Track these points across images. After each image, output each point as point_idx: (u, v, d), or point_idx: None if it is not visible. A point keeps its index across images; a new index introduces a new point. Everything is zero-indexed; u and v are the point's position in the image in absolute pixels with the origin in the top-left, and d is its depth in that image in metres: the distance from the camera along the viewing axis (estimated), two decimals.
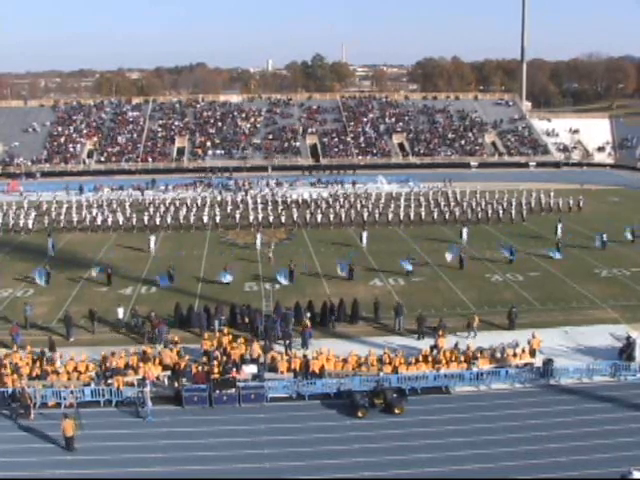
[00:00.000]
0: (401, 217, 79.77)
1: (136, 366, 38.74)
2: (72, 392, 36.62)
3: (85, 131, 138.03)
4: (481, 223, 79.05)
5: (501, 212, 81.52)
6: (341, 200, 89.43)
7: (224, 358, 39.60)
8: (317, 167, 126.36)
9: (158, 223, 77.27)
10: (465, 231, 71.32)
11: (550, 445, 31.99)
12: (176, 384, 37.87)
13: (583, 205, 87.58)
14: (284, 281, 54.93)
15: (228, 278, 55.79)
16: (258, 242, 67.75)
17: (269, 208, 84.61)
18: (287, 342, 43.29)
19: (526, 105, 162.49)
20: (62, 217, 79.86)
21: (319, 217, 79.83)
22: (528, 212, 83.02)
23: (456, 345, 41.49)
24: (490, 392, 38.04)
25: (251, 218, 78.60)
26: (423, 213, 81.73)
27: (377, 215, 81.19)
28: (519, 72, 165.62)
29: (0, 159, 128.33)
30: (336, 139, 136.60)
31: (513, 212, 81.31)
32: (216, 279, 56.53)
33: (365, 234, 69.52)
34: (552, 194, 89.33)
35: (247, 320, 46.22)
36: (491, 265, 61.67)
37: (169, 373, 38.93)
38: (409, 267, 58.41)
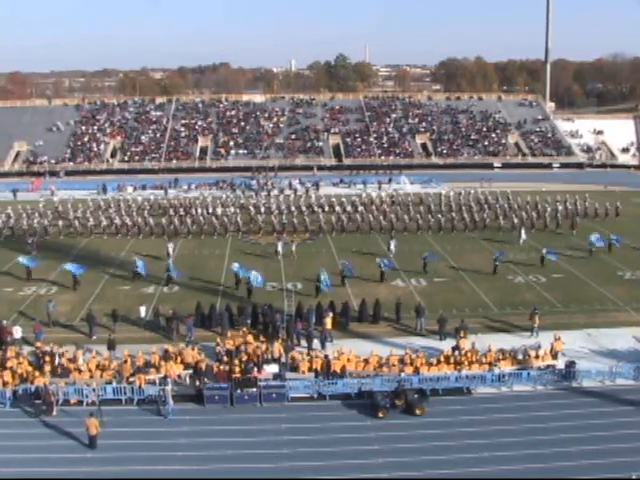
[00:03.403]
0: (430, 224, 76.62)
1: (158, 364, 38.90)
2: (94, 390, 36.85)
3: (109, 130, 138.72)
4: (516, 230, 73.72)
5: (535, 218, 77.92)
6: (367, 202, 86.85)
7: (246, 357, 39.71)
8: (340, 167, 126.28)
9: (178, 228, 75.21)
10: (523, 232, 70.33)
11: (572, 448, 31.82)
12: (197, 383, 38.00)
13: (620, 210, 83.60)
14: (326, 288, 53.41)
15: (259, 281, 53.63)
16: (279, 248, 65.37)
17: (293, 212, 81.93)
18: (308, 342, 43.33)
19: (550, 106, 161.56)
20: (77, 221, 77.55)
21: (345, 221, 76.97)
22: (563, 218, 78.61)
23: (491, 349, 41.32)
24: (512, 394, 37.88)
25: (275, 222, 76.23)
26: (455, 219, 78.08)
27: (407, 220, 77.30)
28: (543, 72, 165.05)
29: (24, 158, 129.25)
30: (359, 139, 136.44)
31: (548, 218, 77.52)
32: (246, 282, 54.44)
33: (393, 243, 66.73)
34: (587, 199, 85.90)
35: (268, 320, 46.24)
36: (513, 266, 61.35)
37: (191, 372, 39.07)
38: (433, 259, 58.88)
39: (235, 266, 55.81)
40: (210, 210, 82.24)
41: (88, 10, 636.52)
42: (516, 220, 76.17)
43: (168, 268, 57.48)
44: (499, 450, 31.77)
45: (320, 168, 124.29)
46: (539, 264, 61.32)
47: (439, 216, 78.07)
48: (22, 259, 59.76)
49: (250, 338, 42.46)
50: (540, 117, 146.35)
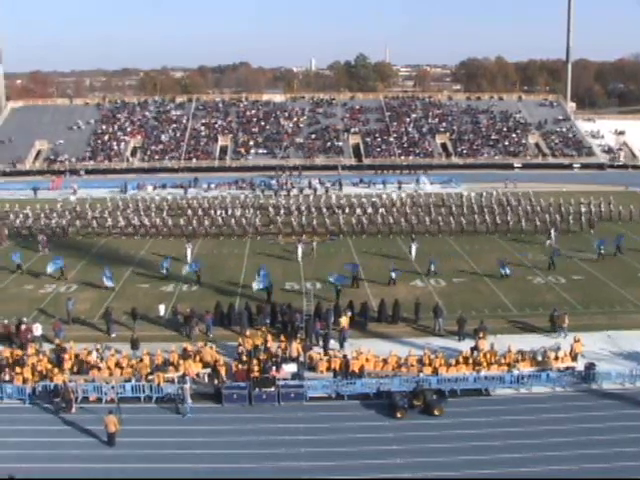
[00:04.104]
0: (452, 226, 75.42)
1: (176, 363, 39.01)
2: (113, 387, 36.99)
3: (129, 129, 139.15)
4: (538, 233, 73.53)
5: (559, 221, 76.60)
6: (388, 204, 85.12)
7: (265, 357, 39.75)
8: (359, 167, 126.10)
9: (196, 230, 74.56)
10: (554, 234, 69.72)
11: (590, 451, 31.62)
12: (216, 381, 38.06)
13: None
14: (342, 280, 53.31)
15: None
16: (299, 252, 64.58)
17: (313, 214, 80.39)
18: (324, 342, 43.37)
19: (571, 106, 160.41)
20: (95, 221, 77.57)
21: (365, 223, 75.97)
22: (587, 221, 77.24)
23: (511, 350, 41.16)
24: (530, 395, 37.72)
25: (294, 223, 75.79)
26: (477, 221, 76.74)
27: (427, 223, 76.26)
28: (564, 72, 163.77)
29: (45, 156, 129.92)
30: (379, 139, 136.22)
31: (571, 221, 76.67)
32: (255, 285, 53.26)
33: (414, 246, 65.16)
34: (612, 201, 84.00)
35: (287, 319, 46.26)
36: (533, 267, 61.08)
37: (209, 370, 39.14)
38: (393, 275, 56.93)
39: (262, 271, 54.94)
40: (229, 211, 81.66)
41: (109, 9, 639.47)
42: (539, 223, 75.33)
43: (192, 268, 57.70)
44: (517, 452, 31.62)
45: (341, 167, 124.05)
46: (557, 266, 60.90)
47: (461, 218, 77.16)
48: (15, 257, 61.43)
49: (269, 338, 42.55)
50: (561, 117, 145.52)
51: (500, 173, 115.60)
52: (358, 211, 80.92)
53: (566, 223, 76.22)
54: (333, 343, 43.58)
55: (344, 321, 44.71)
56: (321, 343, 43.45)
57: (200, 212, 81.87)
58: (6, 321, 45.53)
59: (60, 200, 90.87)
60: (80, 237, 74.00)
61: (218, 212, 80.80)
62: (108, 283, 55.38)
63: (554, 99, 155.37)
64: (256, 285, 51.93)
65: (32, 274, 60.28)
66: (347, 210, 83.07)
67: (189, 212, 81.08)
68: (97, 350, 40.98)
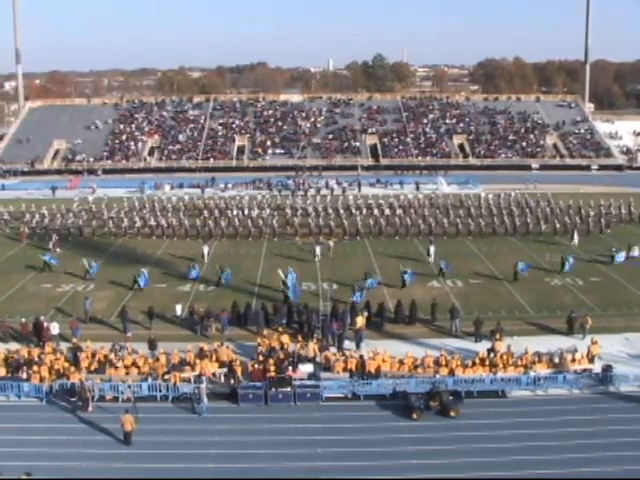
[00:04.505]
0: (471, 228, 74.75)
1: (193, 362, 39.07)
2: (129, 386, 37.09)
3: (146, 129, 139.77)
4: (558, 235, 73.13)
5: (578, 222, 75.61)
6: (406, 205, 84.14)
7: (280, 356, 39.77)
8: (377, 167, 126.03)
9: (212, 231, 74.11)
10: (576, 235, 69.37)
11: (607, 453, 31.41)
12: (232, 381, 38.09)
13: None
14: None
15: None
16: (317, 253, 64.29)
17: (330, 215, 79.84)
18: (339, 342, 43.35)
19: (589, 107, 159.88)
20: (111, 221, 77.61)
21: (383, 225, 75.27)
22: (606, 222, 76.44)
23: (528, 351, 41.00)
24: (547, 397, 37.55)
25: (312, 224, 75.50)
26: (496, 223, 76.01)
27: (446, 225, 75.30)
28: (582, 73, 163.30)
29: (63, 156, 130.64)
30: (396, 139, 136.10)
31: (591, 223, 75.58)
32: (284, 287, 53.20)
33: (433, 248, 64.32)
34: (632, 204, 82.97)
35: (304, 319, 46.25)
36: (551, 269, 60.78)
37: (225, 370, 39.17)
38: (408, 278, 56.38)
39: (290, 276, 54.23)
40: (246, 212, 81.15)
41: (128, 10, 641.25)
42: (558, 225, 74.60)
43: (222, 271, 57.56)
44: (533, 454, 31.47)
45: (357, 168, 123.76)
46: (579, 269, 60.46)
47: (480, 220, 76.33)
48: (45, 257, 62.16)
49: (286, 338, 42.56)
50: (579, 118, 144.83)
51: (518, 174, 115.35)
52: (376, 212, 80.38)
53: (585, 225, 75.22)
54: (348, 343, 43.57)
55: (360, 321, 44.67)
56: (337, 343, 43.47)
57: (217, 213, 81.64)
58: (24, 320, 45.73)
59: (76, 200, 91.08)
60: (96, 237, 74.12)
61: (235, 212, 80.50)
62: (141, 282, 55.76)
63: (572, 100, 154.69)
64: (291, 295, 51.63)
65: (50, 273, 60.82)
66: (364, 211, 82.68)
67: (205, 213, 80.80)
68: (114, 349, 41.19)
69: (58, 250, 67.36)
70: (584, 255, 64.64)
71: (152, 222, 76.43)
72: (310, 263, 62.64)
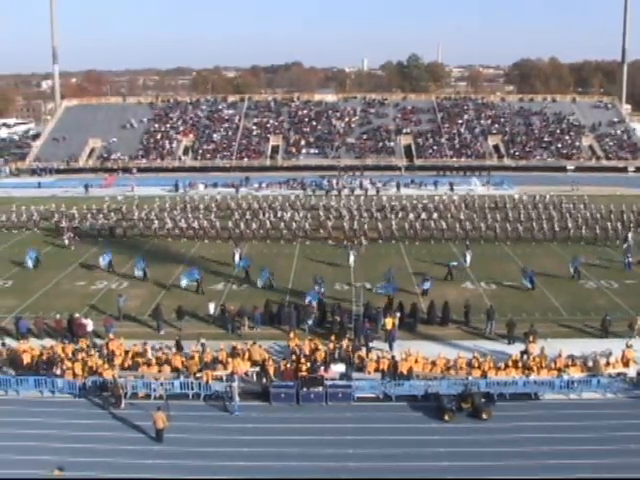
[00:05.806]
0: (508, 233, 72.81)
1: (225, 361, 39.15)
2: (162, 384, 37.25)
3: (181, 128, 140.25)
4: (599, 241, 71.33)
5: (620, 229, 72.89)
6: (441, 208, 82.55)
7: (312, 356, 39.75)
8: (411, 167, 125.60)
9: (244, 233, 72.94)
10: (630, 236, 68.25)
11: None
12: (264, 380, 38.13)
13: None
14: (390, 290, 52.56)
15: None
16: (351, 260, 61.51)
17: (364, 217, 78.55)
18: (366, 342, 43.25)
19: (626, 108, 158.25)
20: (142, 223, 77.06)
21: (418, 229, 73.47)
22: None
23: (562, 354, 40.65)
24: (580, 401, 37.21)
25: (346, 227, 73.77)
26: (535, 229, 73.76)
27: (483, 229, 73.58)
28: (619, 74, 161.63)
29: (98, 154, 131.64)
30: (431, 140, 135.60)
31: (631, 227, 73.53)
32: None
33: (469, 254, 62.80)
34: None
35: (337, 319, 46.18)
36: (585, 271, 60.10)
37: (257, 369, 39.21)
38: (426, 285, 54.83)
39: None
40: (278, 214, 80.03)
41: (163, 9, 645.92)
42: (598, 231, 72.32)
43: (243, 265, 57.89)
44: (566, 458, 31.16)
45: (392, 168, 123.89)
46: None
47: (518, 225, 74.34)
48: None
49: (317, 342, 42.43)
50: (615, 119, 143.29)
51: (553, 176, 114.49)
52: (411, 216, 78.12)
53: (627, 230, 72.43)
54: (380, 344, 43.50)
55: (389, 322, 44.40)
56: (370, 344, 43.34)
57: (248, 215, 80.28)
58: (58, 316, 46.12)
59: (107, 200, 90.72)
60: (126, 239, 73.94)
61: (267, 215, 79.41)
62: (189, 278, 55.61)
63: (609, 101, 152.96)
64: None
65: (86, 267, 62.03)
66: (400, 214, 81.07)
67: (236, 214, 79.84)
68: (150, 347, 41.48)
69: (72, 248, 68.55)
70: (621, 258, 63.73)
71: (183, 224, 75.58)
72: (344, 263, 61.97)
